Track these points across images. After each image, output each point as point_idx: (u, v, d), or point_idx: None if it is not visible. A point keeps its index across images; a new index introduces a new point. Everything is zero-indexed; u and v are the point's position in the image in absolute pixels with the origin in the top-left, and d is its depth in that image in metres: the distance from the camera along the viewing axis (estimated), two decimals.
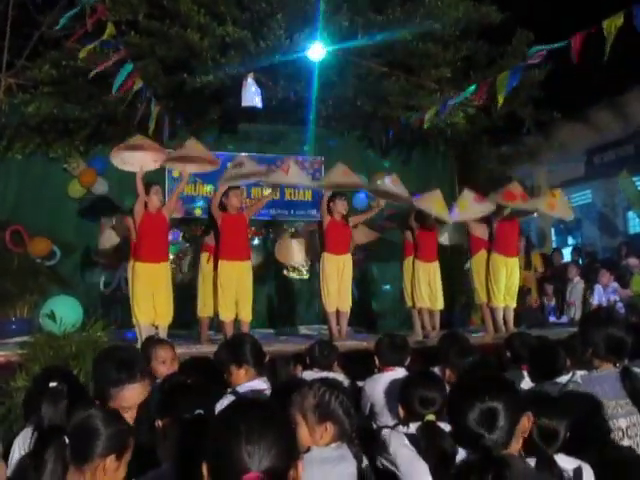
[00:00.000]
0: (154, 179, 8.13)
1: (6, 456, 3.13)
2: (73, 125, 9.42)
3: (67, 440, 2.41)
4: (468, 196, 8.27)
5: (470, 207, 8.21)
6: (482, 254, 8.60)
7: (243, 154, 8.49)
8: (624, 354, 3.30)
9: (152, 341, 4.86)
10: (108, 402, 2.95)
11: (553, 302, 11.36)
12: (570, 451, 2.69)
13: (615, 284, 10.14)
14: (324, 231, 8.04)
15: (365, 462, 2.97)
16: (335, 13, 8.69)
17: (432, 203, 8.07)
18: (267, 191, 9.12)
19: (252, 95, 8.46)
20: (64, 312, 6.53)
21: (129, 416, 2.83)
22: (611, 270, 10.64)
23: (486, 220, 8.64)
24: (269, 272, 10.93)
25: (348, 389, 3.32)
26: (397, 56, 9.52)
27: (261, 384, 3.92)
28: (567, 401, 3.03)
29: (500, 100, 7.72)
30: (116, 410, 2.66)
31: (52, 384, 3.17)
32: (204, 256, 8.11)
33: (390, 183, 8.10)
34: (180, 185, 7.89)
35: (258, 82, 8.64)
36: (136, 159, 7.50)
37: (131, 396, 2.99)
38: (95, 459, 2.42)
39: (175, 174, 10.49)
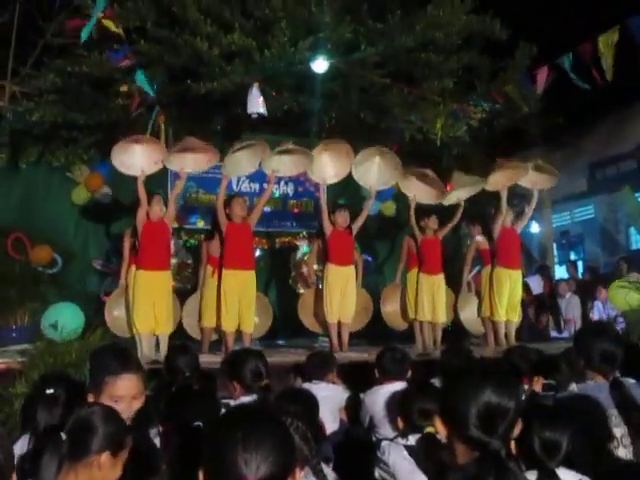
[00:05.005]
0: (155, 184, 8.16)
1: None
2: (77, 133, 9.44)
3: (64, 437, 2.40)
4: (458, 177, 8.41)
5: (460, 188, 8.36)
6: (489, 267, 8.60)
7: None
8: (615, 366, 3.37)
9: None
10: (102, 392, 2.92)
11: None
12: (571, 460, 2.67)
13: None
14: (327, 242, 8.02)
15: None
16: (338, 24, 8.71)
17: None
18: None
19: (257, 102, 8.47)
20: (66, 320, 6.53)
21: (122, 408, 2.81)
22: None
23: (487, 233, 8.68)
24: (274, 282, 10.93)
25: (303, 412, 3.26)
26: (400, 66, 9.53)
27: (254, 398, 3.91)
28: (570, 405, 3.04)
29: (523, 105, 7.87)
30: (115, 410, 2.63)
31: (48, 390, 3.17)
32: (209, 268, 8.07)
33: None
34: (178, 185, 7.81)
35: (262, 92, 8.65)
36: (136, 162, 7.51)
37: (126, 386, 2.93)
38: (90, 455, 2.39)
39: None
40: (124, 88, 8.25)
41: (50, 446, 2.39)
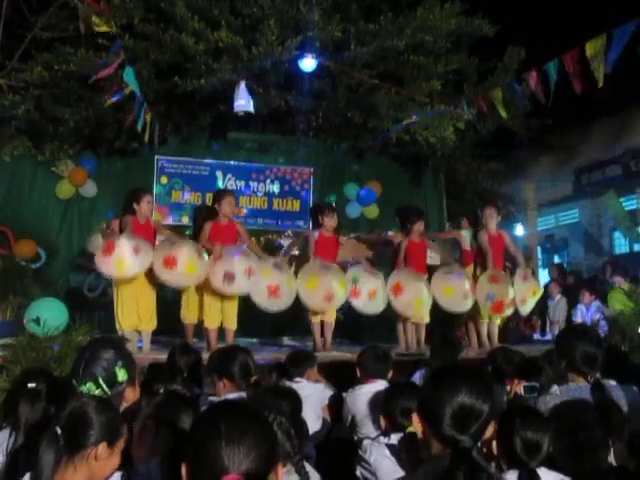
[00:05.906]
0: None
1: None
2: (63, 128, 9.39)
3: (59, 431, 2.40)
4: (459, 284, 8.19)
5: (455, 298, 8.11)
6: (471, 268, 8.60)
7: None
8: (596, 368, 3.42)
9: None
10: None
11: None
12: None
13: (598, 303, 10.17)
14: (312, 244, 7.99)
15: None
16: (327, 23, 8.72)
17: (409, 303, 7.93)
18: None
19: (244, 101, 8.46)
20: (49, 315, 6.47)
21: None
22: (594, 289, 10.67)
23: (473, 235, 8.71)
24: None
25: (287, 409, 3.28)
26: (388, 67, 9.55)
27: (241, 396, 3.90)
28: (561, 407, 3.06)
29: (503, 113, 7.94)
30: (108, 400, 2.65)
31: (30, 385, 3.16)
32: None
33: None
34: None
35: (250, 90, 8.65)
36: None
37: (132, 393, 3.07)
38: (88, 447, 2.40)
39: (163, 180, 10.60)
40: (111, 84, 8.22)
41: (46, 441, 2.38)
